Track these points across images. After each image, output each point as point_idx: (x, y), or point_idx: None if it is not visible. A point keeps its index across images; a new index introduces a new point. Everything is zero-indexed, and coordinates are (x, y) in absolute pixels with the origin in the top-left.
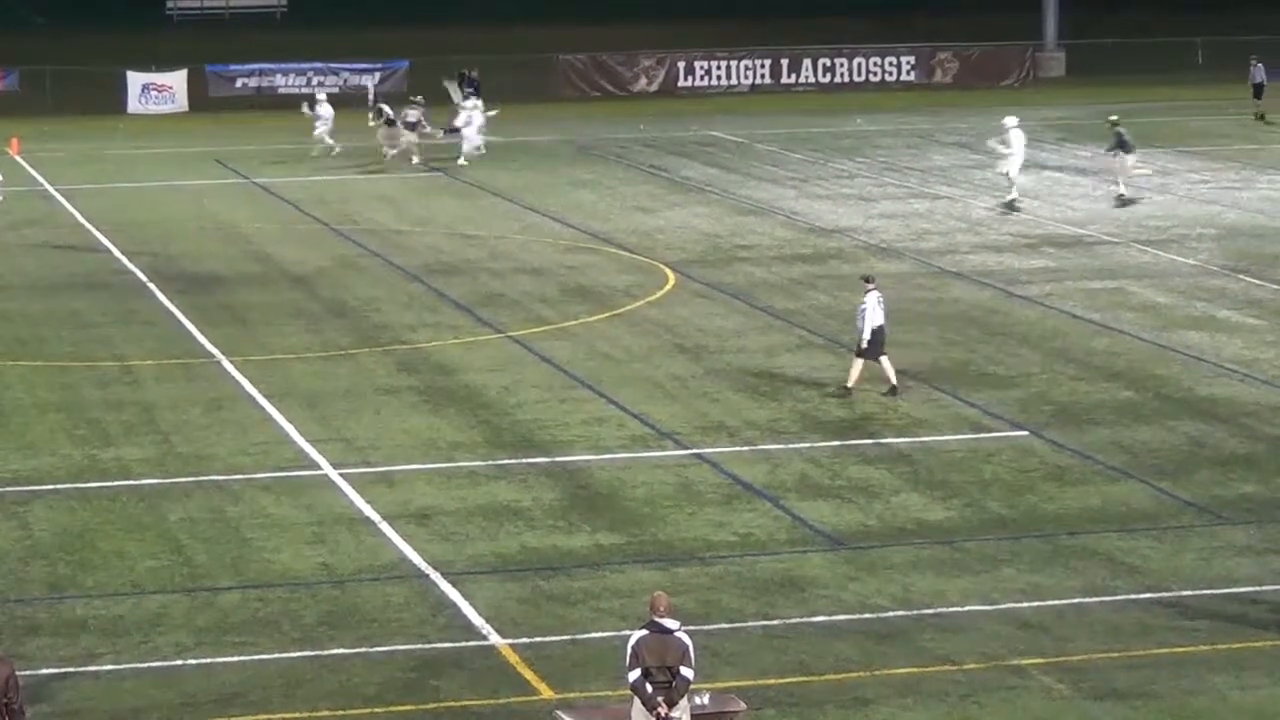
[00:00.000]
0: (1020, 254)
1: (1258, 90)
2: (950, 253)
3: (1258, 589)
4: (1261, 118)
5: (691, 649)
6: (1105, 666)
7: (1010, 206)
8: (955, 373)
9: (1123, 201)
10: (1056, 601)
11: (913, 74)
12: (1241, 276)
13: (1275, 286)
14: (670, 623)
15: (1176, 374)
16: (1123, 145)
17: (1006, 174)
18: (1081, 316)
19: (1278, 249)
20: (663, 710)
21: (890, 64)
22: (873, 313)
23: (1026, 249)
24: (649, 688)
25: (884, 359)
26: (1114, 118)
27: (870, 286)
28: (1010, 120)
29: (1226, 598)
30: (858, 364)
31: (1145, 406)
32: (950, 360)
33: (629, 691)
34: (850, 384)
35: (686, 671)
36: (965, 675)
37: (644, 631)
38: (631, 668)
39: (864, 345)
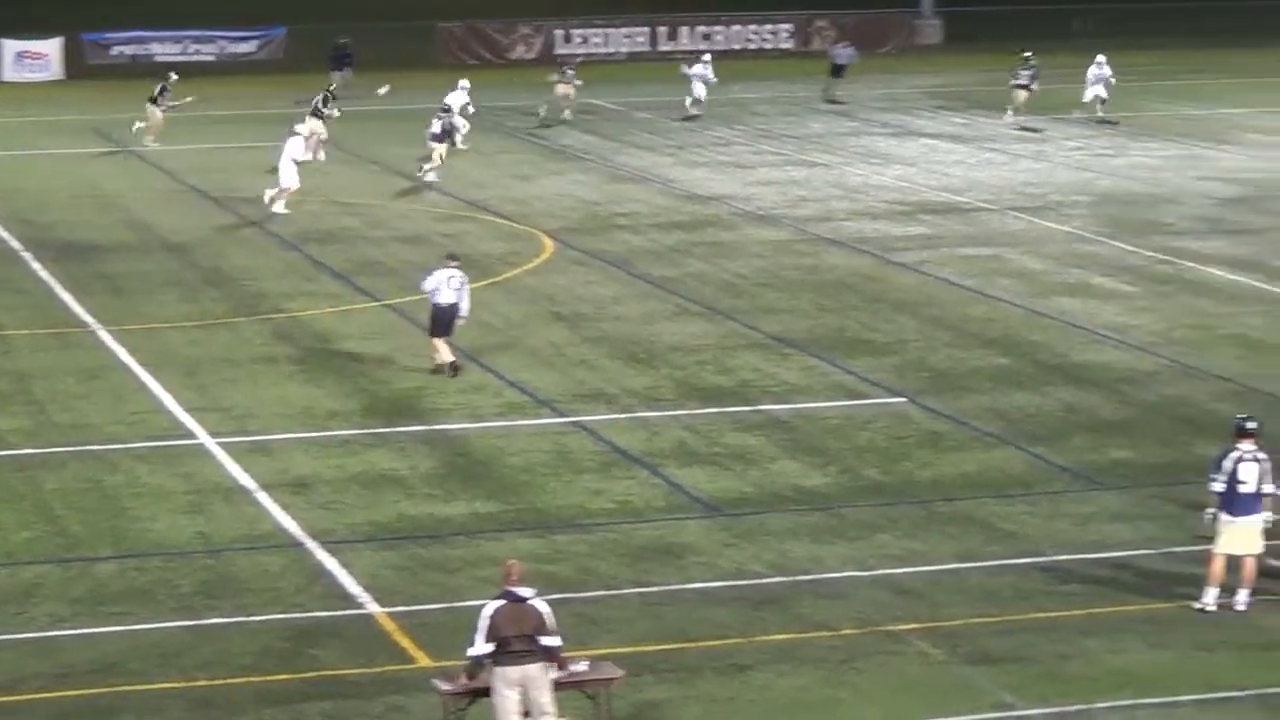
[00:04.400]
0: (896, 221)
1: (837, 70)
2: (826, 219)
3: (1131, 554)
4: (834, 101)
5: (549, 616)
6: (981, 631)
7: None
8: (832, 339)
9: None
10: (932, 567)
11: (790, 41)
12: (1115, 243)
13: (1149, 253)
14: (524, 591)
15: (1051, 340)
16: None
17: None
18: (957, 283)
19: (1151, 215)
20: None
21: (768, 31)
22: (444, 292)
23: (902, 216)
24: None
25: (444, 340)
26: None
27: (453, 265)
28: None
29: (1100, 562)
30: (437, 344)
31: (1020, 373)
32: (826, 327)
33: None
34: (444, 361)
35: (550, 640)
36: (842, 641)
37: (500, 601)
38: (486, 638)
39: (431, 324)
